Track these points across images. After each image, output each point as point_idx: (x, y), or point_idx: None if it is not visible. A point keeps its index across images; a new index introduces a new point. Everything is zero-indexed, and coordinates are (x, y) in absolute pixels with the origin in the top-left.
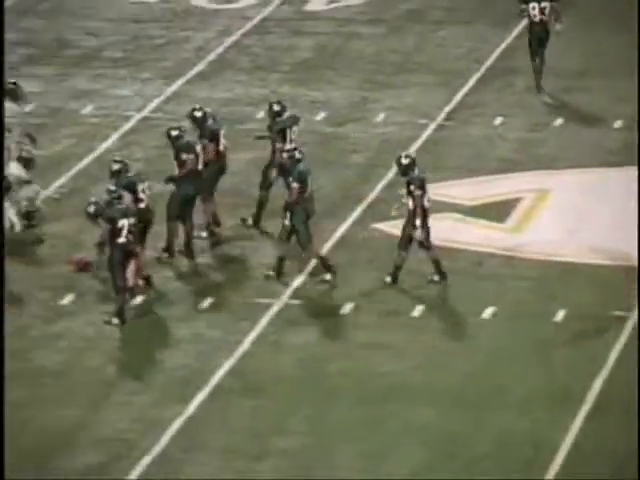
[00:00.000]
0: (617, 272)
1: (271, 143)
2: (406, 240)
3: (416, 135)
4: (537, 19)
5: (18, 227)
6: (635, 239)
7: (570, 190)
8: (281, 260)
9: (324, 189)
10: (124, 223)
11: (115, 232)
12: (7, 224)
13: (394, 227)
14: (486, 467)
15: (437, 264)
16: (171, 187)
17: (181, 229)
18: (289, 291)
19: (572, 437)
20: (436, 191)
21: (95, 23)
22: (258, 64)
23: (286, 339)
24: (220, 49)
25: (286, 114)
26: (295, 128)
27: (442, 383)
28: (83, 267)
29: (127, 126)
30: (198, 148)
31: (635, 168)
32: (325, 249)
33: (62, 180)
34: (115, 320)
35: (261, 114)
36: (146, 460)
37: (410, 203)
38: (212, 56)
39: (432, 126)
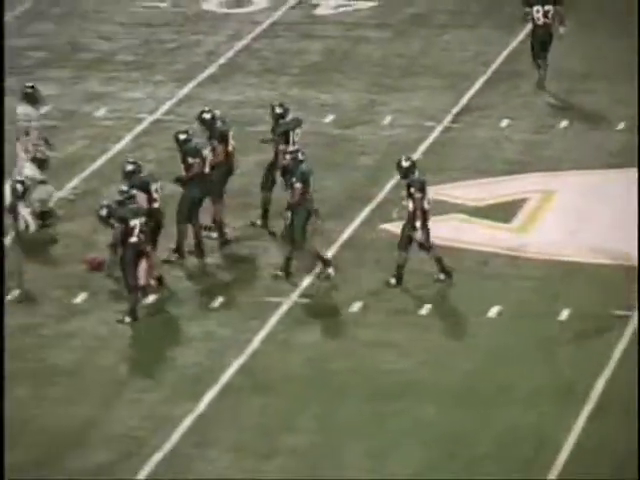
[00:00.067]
0: (619, 272)
1: (274, 145)
2: (405, 241)
3: (423, 137)
4: (540, 22)
5: (33, 227)
6: (635, 239)
7: (575, 191)
8: (288, 260)
9: (332, 190)
10: (136, 223)
11: (127, 232)
12: (22, 224)
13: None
14: (490, 464)
15: (440, 262)
16: (181, 188)
17: (190, 230)
18: (298, 290)
19: (576, 434)
20: (443, 192)
21: (108, 27)
22: (268, 67)
23: (295, 338)
24: (231, 53)
25: (289, 116)
26: (298, 130)
27: (448, 381)
28: (96, 266)
29: (139, 128)
30: (205, 152)
31: (636, 170)
32: (333, 249)
33: (75, 181)
34: (127, 319)
35: None
36: (157, 457)
37: (410, 205)
38: (223, 59)
39: (439, 128)
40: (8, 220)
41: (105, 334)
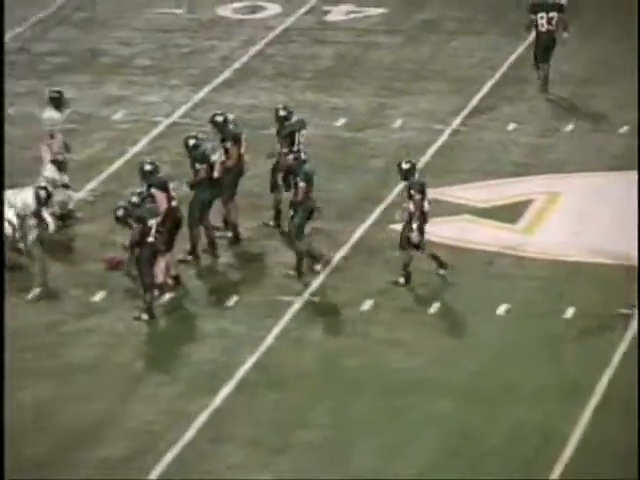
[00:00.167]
0: (621, 271)
1: (280, 147)
2: (405, 241)
3: (432, 140)
4: (544, 29)
5: (52, 227)
6: (635, 240)
7: (579, 193)
8: (300, 259)
9: (343, 192)
10: (153, 223)
11: (145, 231)
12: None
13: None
14: (496, 460)
15: (435, 258)
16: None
17: (202, 231)
18: (310, 289)
19: (581, 429)
20: (451, 193)
21: (126, 33)
22: (281, 72)
23: (308, 335)
24: (245, 58)
25: (294, 118)
26: (303, 131)
27: (456, 378)
28: (115, 266)
29: (156, 131)
30: (213, 157)
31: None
32: (345, 249)
33: (94, 183)
34: (144, 316)
35: None
36: (172, 451)
37: (411, 206)
38: (237, 64)
39: (447, 131)
40: (31, 221)
41: (122, 331)
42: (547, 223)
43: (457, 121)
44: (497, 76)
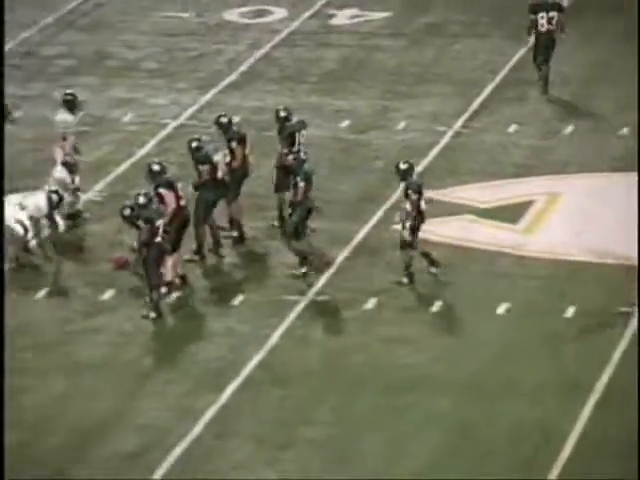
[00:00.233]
0: (621, 271)
1: (281, 147)
2: (403, 241)
3: (435, 142)
4: (544, 29)
5: (62, 227)
6: (635, 240)
7: (579, 194)
8: (304, 259)
9: (347, 193)
10: (160, 223)
11: (153, 232)
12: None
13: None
14: (497, 456)
15: (427, 256)
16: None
17: (208, 231)
18: (314, 288)
19: (581, 426)
20: (453, 194)
21: (133, 36)
22: (286, 75)
23: (312, 334)
24: (251, 61)
25: (294, 119)
26: (304, 132)
27: (458, 375)
28: (123, 265)
29: (163, 133)
30: (216, 158)
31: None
32: (348, 249)
33: (102, 184)
34: (152, 314)
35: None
36: (180, 447)
37: (408, 206)
38: (243, 67)
39: (450, 133)
40: (44, 222)
41: (131, 329)
42: (547, 223)
43: (459, 123)
44: (499, 79)
